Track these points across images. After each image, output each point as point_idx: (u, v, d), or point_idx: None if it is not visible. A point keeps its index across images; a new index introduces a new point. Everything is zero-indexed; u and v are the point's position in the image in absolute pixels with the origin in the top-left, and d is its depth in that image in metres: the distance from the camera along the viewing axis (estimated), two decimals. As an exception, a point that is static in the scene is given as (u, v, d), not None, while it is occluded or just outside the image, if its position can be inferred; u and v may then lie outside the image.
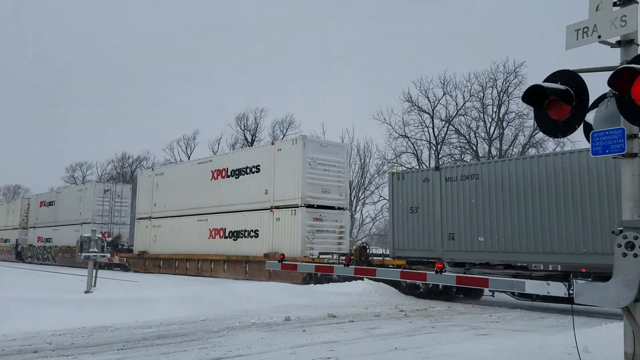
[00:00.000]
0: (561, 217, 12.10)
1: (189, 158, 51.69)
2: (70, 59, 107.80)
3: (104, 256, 12.73)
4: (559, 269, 13.07)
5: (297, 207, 18.87)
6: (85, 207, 30.76)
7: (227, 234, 21.60)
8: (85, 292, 12.03)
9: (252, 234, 20.56)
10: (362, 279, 14.68)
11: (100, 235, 12.77)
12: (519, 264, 13.44)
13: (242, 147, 40.91)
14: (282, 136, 44.66)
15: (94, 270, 12.52)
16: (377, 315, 10.79)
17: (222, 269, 21.50)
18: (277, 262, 12.00)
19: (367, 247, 18.32)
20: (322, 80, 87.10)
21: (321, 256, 17.68)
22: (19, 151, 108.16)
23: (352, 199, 40.97)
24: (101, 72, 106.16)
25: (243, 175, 21.41)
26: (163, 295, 11.81)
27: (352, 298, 13.64)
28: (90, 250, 12.22)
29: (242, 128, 46.29)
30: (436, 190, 14.52)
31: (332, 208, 19.71)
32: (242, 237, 20.85)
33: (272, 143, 22.65)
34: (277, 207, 19.70)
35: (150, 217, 26.13)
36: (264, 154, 21.05)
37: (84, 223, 29.90)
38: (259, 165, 20.84)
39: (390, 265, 15.34)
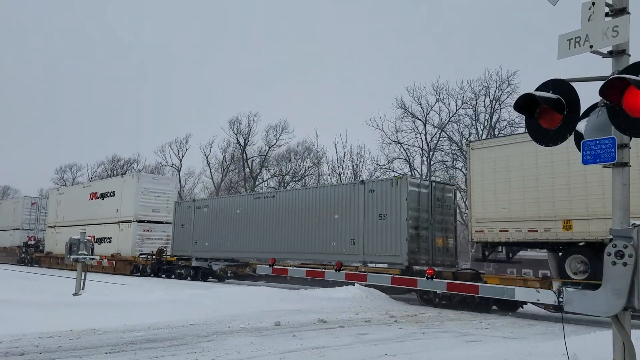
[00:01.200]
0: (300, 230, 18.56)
1: (180, 162, 51.60)
2: (62, 60, 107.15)
3: (92, 259, 12.62)
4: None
5: (131, 222, 26.81)
6: (17, 216, 38.26)
7: (95, 240, 26.89)
8: (74, 294, 11.91)
9: (107, 240, 28.48)
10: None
11: (89, 238, 12.66)
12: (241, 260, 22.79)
13: (109, 177, 51.04)
14: (275, 141, 44.73)
15: (83, 273, 12.41)
16: (367, 320, 10.77)
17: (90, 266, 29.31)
18: (268, 266, 11.92)
19: (164, 249, 25.75)
20: (317, 86, 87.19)
21: (141, 256, 26.03)
22: (9, 152, 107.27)
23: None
24: (93, 73, 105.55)
25: (105, 197, 29.46)
26: (152, 298, 11.72)
27: (342, 303, 13.61)
28: (79, 252, 12.10)
29: (235, 132, 46.28)
30: (192, 214, 23.76)
31: (160, 222, 27.47)
32: (103, 242, 28.40)
33: (122, 176, 32.34)
34: (122, 222, 27.55)
35: (55, 226, 33.42)
36: (117, 183, 29.50)
37: (16, 229, 37.73)
38: (114, 191, 28.81)
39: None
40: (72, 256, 12.12)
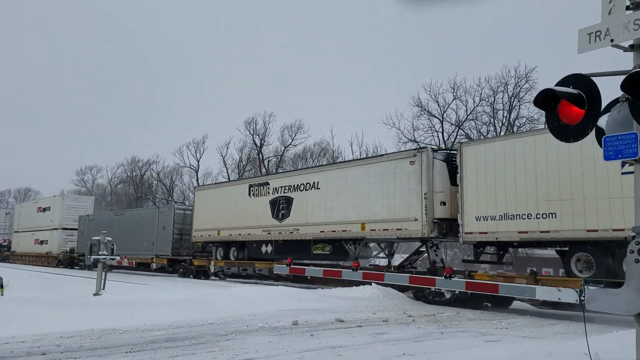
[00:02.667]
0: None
1: (198, 162, 51.96)
2: (82, 63, 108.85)
3: (113, 259, 12.79)
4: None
5: (58, 229, 36.29)
6: None
7: (39, 242, 38.80)
8: (95, 294, 12.07)
9: (45, 242, 37.87)
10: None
11: (110, 239, 12.83)
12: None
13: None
14: (290, 140, 44.71)
15: (103, 273, 12.57)
16: (385, 320, 10.73)
17: (36, 260, 38.65)
18: (285, 265, 11.95)
19: (74, 248, 34.95)
20: (332, 85, 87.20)
21: (61, 254, 35.88)
22: (31, 154, 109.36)
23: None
24: (113, 76, 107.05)
25: (45, 211, 38.54)
26: (171, 298, 11.83)
27: (360, 303, 13.58)
28: (100, 252, 12.27)
29: (251, 132, 46.42)
30: (87, 224, 33.96)
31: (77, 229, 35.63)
32: (43, 244, 38.14)
33: (54, 196, 40.53)
34: (53, 229, 36.81)
35: (17, 231, 43.24)
36: (52, 200, 38.99)
37: None
38: (50, 207, 38.07)
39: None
40: (93, 256, 12.29)
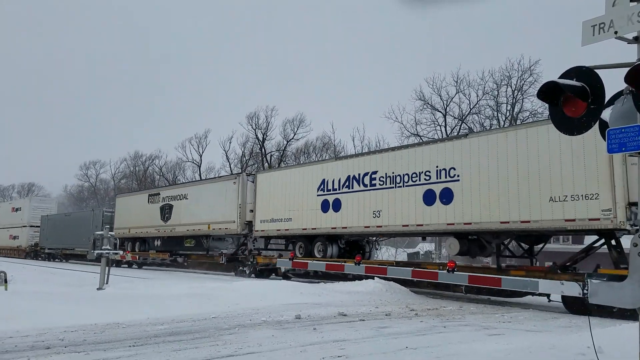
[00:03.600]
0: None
1: (200, 157, 52.02)
2: (85, 59, 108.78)
3: (116, 253, 12.82)
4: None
5: (26, 226, 42.82)
6: None
7: (12, 237, 44.93)
8: (98, 289, 12.12)
9: (17, 237, 44.23)
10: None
11: (112, 233, 12.86)
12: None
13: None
14: (292, 135, 44.65)
15: (106, 268, 12.62)
16: (387, 314, 10.74)
17: (10, 253, 44.33)
18: (288, 260, 11.96)
19: (38, 243, 40.96)
20: (333, 79, 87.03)
21: (28, 247, 42.51)
22: (35, 149, 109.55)
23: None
24: (116, 71, 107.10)
25: (17, 211, 45.01)
26: (174, 292, 11.87)
27: (362, 297, 13.61)
28: (103, 247, 12.31)
29: (253, 127, 46.40)
30: (46, 222, 40.44)
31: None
32: (16, 239, 44.32)
33: (23, 198, 50.56)
34: (23, 226, 43.20)
35: None
36: (22, 202, 47.04)
37: None
38: (20, 207, 44.85)
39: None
40: (96, 251, 12.34)
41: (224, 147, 49.29)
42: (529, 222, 12.72)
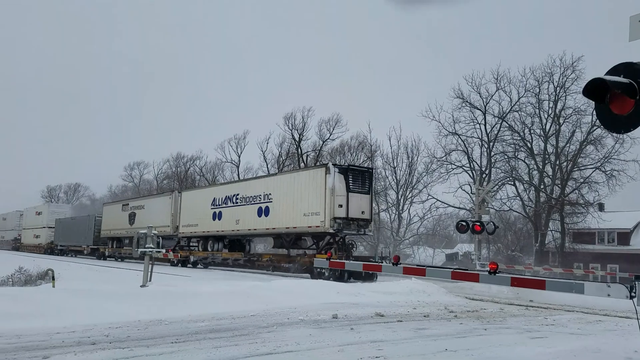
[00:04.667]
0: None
1: (239, 157, 52.73)
2: (130, 61, 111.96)
3: (159, 252, 13.15)
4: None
5: (45, 227, 51.38)
6: (14, 222, 63.86)
7: (35, 236, 53.40)
8: (141, 286, 12.44)
9: (39, 236, 53.13)
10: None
11: (156, 232, 13.21)
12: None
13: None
14: (328, 135, 44.60)
15: (150, 265, 12.96)
16: (426, 315, 10.64)
17: (33, 249, 52.23)
18: (325, 259, 12.03)
19: (53, 241, 49.89)
20: (370, 78, 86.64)
21: (47, 244, 51.61)
22: (81, 150, 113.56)
23: (399, 197, 40.55)
24: (161, 75, 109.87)
25: (39, 215, 54.26)
26: (214, 290, 12.06)
27: (399, 297, 13.52)
28: (147, 245, 12.65)
29: (290, 127, 46.67)
30: (59, 224, 50.55)
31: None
32: (37, 238, 52.99)
33: (44, 204, 59.47)
34: (43, 227, 52.21)
35: (24, 228, 58.97)
36: (42, 207, 55.51)
37: (12, 230, 63.81)
38: (42, 212, 54.24)
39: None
40: (140, 249, 12.69)
41: (261, 147, 49.81)
42: (295, 227, 22.26)
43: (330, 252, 19.76)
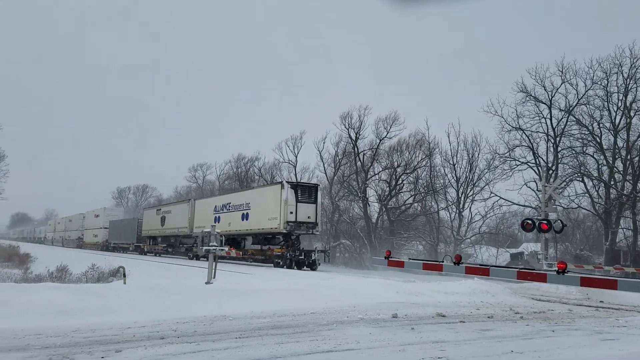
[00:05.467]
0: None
1: (296, 157, 53.22)
2: (194, 67, 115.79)
3: (222, 250, 13.56)
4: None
5: (101, 228, 59.75)
6: (78, 224, 71.66)
7: (94, 235, 62.20)
8: (206, 283, 12.86)
9: (96, 235, 61.33)
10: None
11: (219, 231, 13.63)
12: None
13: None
14: (385, 133, 44.14)
15: (214, 263, 13.38)
16: (489, 316, 10.37)
17: (92, 247, 60.36)
18: (383, 258, 11.98)
19: (107, 240, 58.00)
20: (429, 75, 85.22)
21: (103, 242, 60.14)
22: (150, 153, 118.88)
23: (460, 195, 39.62)
24: (224, 80, 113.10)
25: (97, 217, 62.61)
26: (275, 287, 12.30)
27: (461, 298, 13.25)
28: (210, 244, 13.09)
29: (347, 126, 46.55)
30: (109, 225, 58.95)
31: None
32: (95, 237, 61.54)
33: (102, 209, 62.85)
34: (100, 228, 60.78)
35: (86, 229, 67.56)
36: (99, 211, 62.85)
37: (77, 230, 70.64)
38: (99, 215, 62.29)
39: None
40: (204, 247, 13.15)
41: (318, 147, 50.01)
42: (264, 229, 29.36)
43: (282, 247, 28.27)
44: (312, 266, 27.08)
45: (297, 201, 27.50)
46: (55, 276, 15.63)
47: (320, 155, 49.93)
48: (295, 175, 53.08)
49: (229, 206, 34.04)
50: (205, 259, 31.74)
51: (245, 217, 31.68)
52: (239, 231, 32.35)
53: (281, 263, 27.26)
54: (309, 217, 27.73)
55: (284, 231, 27.33)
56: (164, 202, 64.69)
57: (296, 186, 28.60)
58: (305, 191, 28.51)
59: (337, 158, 48.44)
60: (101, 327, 7.92)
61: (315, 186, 30.61)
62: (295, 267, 26.86)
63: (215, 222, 32.65)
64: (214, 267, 13.35)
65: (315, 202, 28.38)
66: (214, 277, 13.22)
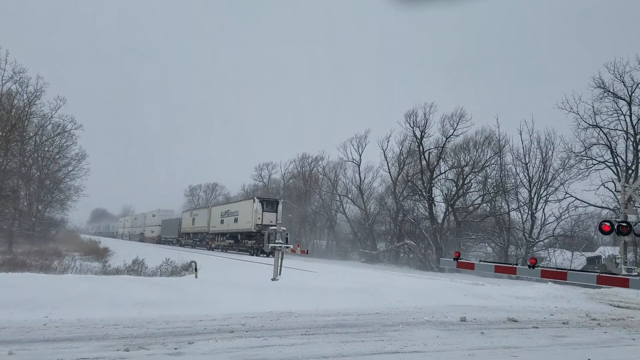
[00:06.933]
0: None
1: (360, 156, 53.30)
2: (261, 67, 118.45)
3: (287, 247, 13.80)
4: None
5: (157, 225, 73.16)
6: (140, 222, 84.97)
7: (151, 231, 76.26)
8: (272, 279, 13.14)
9: (153, 231, 74.89)
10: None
11: (284, 228, 13.88)
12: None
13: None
14: (452, 131, 43.07)
15: (280, 260, 13.64)
16: (564, 322, 9.88)
17: (149, 240, 74.40)
18: (452, 260, 11.72)
19: (160, 235, 72.29)
20: (499, 70, 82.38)
21: (157, 237, 74.18)
22: (219, 153, 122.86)
23: (532, 196, 38.00)
24: (286, 79, 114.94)
25: (155, 216, 75.91)
26: (340, 286, 12.34)
27: (534, 303, 12.70)
28: (277, 241, 13.35)
29: (411, 125, 45.91)
30: (160, 223, 73.95)
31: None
32: (153, 232, 74.93)
33: (159, 210, 76.64)
34: (155, 225, 74.31)
35: (147, 226, 79.53)
36: (157, 212, 76.14)
37: (140, 226, 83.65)
38: (155, 214, 76.49)
39: None
40: (271, 244, 13.44)
41: (382, 146, 49.65)
42: (244, 229, 41.50)
43: (254, 242, 40.38)
44: (272, 254, 36.72)
45: (263, 211, 39.80)
46: (132, 269, 16.50)
47: (385, 154, 49.58)
48: (359, 174, 53.13)
49: (228, 212, 46.28)
50: (220, 250, 45.96)
51: (236, 220, 43.72)
52: (234, 230, 44.21)
53: (251, 252, 40.03)
54: (271, 221, 38.24)
55: (254, 231, 39.50)
56: (232, 199, 72.30)
57: (263, 200, 41.04)
58: (269, 204, 40.68)
59: (402, 157, 47.89)
60: (174, 319, 8.26)
61: (277, 200, 42.30)
62: (262, 255, 36.15)
63: (221, 224, 47.49)
64: (280, 264, 13.59)
65: (276, 211, 40.13)
66: (280, 274, 13.46)
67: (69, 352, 5.94)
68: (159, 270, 16.89)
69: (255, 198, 41.42)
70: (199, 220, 54.40)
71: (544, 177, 37.90)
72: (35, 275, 11.07)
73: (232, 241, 45.17)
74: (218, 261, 27.52)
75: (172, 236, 64.38)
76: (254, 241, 40.48)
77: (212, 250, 48.47)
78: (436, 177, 44.18)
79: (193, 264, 14.73)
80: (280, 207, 40.92)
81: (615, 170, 33.37)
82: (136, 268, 16.67)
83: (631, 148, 33.27)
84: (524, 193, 38.91)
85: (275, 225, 35.92)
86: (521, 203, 38.87)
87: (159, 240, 69.60)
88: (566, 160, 36.19)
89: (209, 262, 24.29)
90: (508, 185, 39.58)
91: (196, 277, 13.82)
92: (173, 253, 25.31)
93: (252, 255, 38.45)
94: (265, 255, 36.22)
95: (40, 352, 5.91)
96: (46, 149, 43.30)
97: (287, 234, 13.82)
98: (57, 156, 44.65)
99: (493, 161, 41.01)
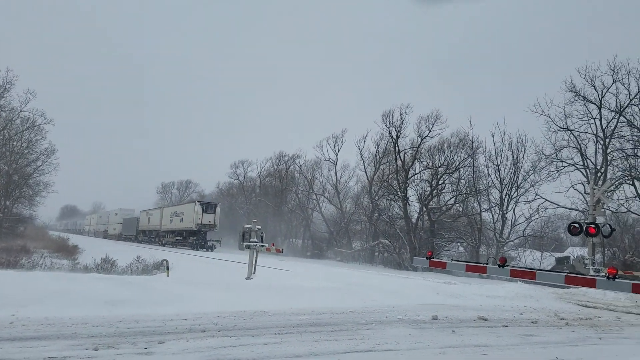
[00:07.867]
0: None
1: (336, 156, 53.46)
2: (238, 69, 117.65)
3: (262, 245, 13.70)
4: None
5: (119, 223, 78.27)
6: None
7: (114, 229, 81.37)
8: (246, 278, 13.05)
9: (115, 229, 79.66)
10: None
11: (259, 227, 13.80)
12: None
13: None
14: (427, 132, 43.51)
15: (254, 259, 13.55)
16: (533, 321, 10.09)
17: (114, 238, 77.39)
18: (425, 259, 11.84)
19: (122, 233, 76.93)
20: (471, 73, 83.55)
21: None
22: (193, 150, 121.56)
23: (503, 197, 38.66)
24: (263, 78, 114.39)
25: (116, 215, 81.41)
26: (315, 284, 12.35)
27: (504, 302, 12.94)
28: (251, 240, 13.25)
29: (388, 125, 46.17)
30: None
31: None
32: (115, 230, 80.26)
33: (120, 209, 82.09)
34: (117, 223, 79.17)
35: (109, 224, 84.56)
36: (119, 211, 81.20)
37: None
38: (117, 213, 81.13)
39: None
40: (245, 243, 13.32)
41: (359, 146, 49.89)
42: (187, 228, 50.15)
43: (195, 238, 48.67)
44: (210, 249, 46.62)
45: (203, 212, 48.23)
46: (102, 267, 16.19)
47: (361, 154, 49.81)
48: (336, 173, 53.30)
49: (176, 213, 53.41)
50: (170, 246, 49.06)
51: (182, 220, 51.35)
52: (181, 228, 51.40)
53: (192, 247, 47.73)
54: (209, 221, 48.22)
55: (195, 229, 47.98)
56: (182, 201, 78.05)
57: (203, 203, 49.85)
58: (208, 207, 49.33)
59: (378, 157, 48.17)
60: (145, 319, 8.14)
61: (215, 203, 51.49)
62: (202, 250, 45.60)
63: (170, 222, 54.04)
64: (254, 263, 13.52)
65: (214, 213, 48.87)
66: (254, 273, 13.38)
67: (36, 351, 5.79)
68: (129, 268, 16.62)
69: (196, 201, 50.55)
70: (153, 219, 60.81)
71: (515, 178, 38.58)
72: (2, 272, 10.77)
73: (180, 238, 52.31)
74: (179, 258, 27.27)
75: (131, 233, 68.83)
76: (195, 238, 48.83)
77: (164, 245, 53.55)
78: (411, 177, 44.55)
79: (165, 262, 14.53)
80: (218, 209, 49.82)
81: (584, 172, 34.19)
82: (106, 266, 16.36)
83: (600, 151, 34.11)
84: (495, 194, 39.54)
85: (213, 225, 48.68)
86: (492, 204, 39.50)
87: (120, 237, 73.49)
88: (537, 162, 36.90)
89: (170, 258, 24.04)
90: (480, 186, 40.19)
91: (168, 275, 13.65)
92: (127, 247, 25.04)
93: (193, 249, 45.97)
94: (205, 249, 45.75)
95: (6, 351, 5.75)
96: (15, 143, 42.13)
97: (262, 233, 13.74)
98: (26, 151, 43.43)
99: (466, 162, 41.58)
